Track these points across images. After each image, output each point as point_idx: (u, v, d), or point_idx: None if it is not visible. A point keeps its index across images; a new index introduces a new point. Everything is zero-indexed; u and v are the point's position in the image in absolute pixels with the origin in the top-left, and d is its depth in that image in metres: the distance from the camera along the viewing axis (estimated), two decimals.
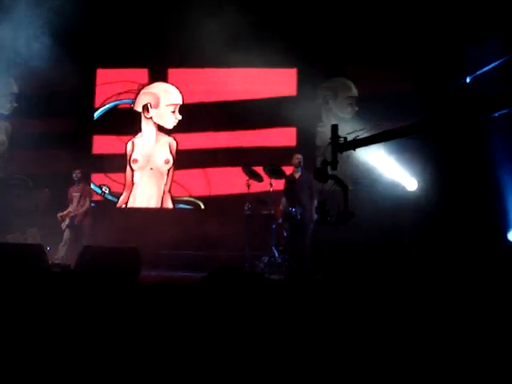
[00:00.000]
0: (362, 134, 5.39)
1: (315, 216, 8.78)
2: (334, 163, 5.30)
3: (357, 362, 2.83)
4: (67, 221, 9.52)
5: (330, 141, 5.43)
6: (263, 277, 3.33)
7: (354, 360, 2.84)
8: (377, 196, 9.76)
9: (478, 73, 8.09)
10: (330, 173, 5.38)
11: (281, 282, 3.42)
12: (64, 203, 9.74)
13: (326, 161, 5.32)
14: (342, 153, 5.36)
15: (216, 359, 2.80)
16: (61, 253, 9.19)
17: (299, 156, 9.11)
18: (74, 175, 9.82)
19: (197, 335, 2.92)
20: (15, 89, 11.68)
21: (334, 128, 5.46)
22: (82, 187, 9.84)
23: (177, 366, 2.86)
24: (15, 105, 11.67)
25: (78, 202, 9.61)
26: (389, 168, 9.83)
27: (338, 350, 2.90)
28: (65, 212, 9.61)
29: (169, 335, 3.03)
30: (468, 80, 5.44)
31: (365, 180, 10.14)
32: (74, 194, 9.69)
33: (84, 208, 9.62)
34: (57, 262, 8.54)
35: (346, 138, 5.31)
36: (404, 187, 9.86)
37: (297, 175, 9.03)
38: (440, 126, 5.11)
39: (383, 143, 7.39)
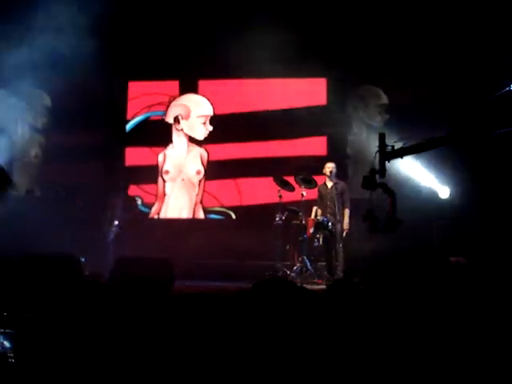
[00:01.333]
0: (399, 144, 5.39)
1: (347, 223, 8.76)
2: (382, 171, 5.28)
3: (404, 370, 2.81)
4: (115, 231, 9.53)
5: (377, 149, 5.40)
6: (306, 289, 3.32)
7: (401, 368, 2.82)
8: (412, 204, 9.67)
9: None
10: (378, 181, 5.36)
11: (324, 291, 3.41)
12: (100, 215, 9.76)
13: (374, 169, 5.30)
14: (389, 161, 5.34)
15: (261, 370, 2.80)
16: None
17: (331, 165, 9.08)
18: (120, 186, 9.86)
19: (238, 347, 2.91)
20: (48, 102, 11.85)
21: (382, 136, 5.44)
22: (124, 200, 9.86)
23: (217, 377, 2.86)
24: (45, 120, 11.82)
25: (122, 215, 9.63)
26: (421, 176, 9.76)
27: (385, 357, 2.88)
28: (112, 224, 9.58)
29: (206, 346, 3.04)
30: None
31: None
32: (117, 204, 9.70)
33: (126, 218, 9.65)
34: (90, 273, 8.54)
35: (393, 147, 5.29)
36: (437, 195, 9.80)
37: (329, 184, 9.00)
38: (482, 134, 5.09)
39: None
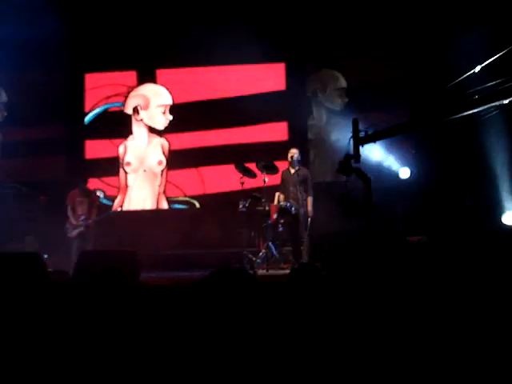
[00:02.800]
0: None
1: (311, 211, 8.82)
2: (357, 156, 5.34)
3: (363, 356, 2.85)
4: (78, 229, 9.41)
5: (351, 134, 5.45)
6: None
7: (361, 354, 2.86)
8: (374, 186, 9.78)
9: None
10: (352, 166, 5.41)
11: (287, 277, 3.44)
12: (61, 209, 9.61)
13: (349, 154, 5.35)
14: (363, 145, 5.40)
15: (218, 360, 2.82)
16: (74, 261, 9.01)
17: (294, 151, 9.09)
18: (80, 182, 9.65)
19: (198, 336, 2.93)
20: (4, 98, 11.64)
21: (355, 122, 5.50)
22: (88, 194, 9.67)
23: (178, 367, 2.88)
24: (5, 114, 11.62)
25: (89, 210, 9.45)
26: (381, 157, 9.87)
27: (345, 343, 2.92)
28: (77, 220, 9.39)
29: (170, 336, 3.05)
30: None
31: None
32: (78, 199, 9.51)
33: (96, 218, 9.46)
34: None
35: (366, 132, 5.35)
36: (397, 176, 9.93)
37: (292, 170, 9.03)
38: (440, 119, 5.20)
39: None
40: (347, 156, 5.40)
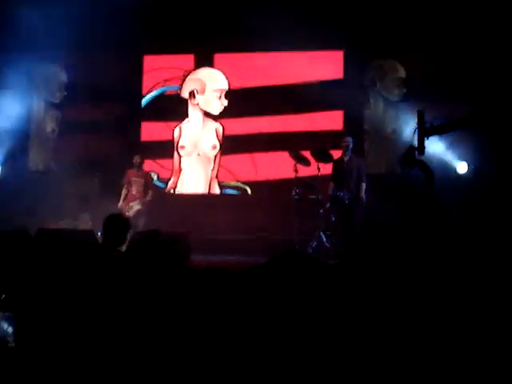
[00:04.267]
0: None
1: (364, 199, 8.71)
2: (421, 148, 5.20)
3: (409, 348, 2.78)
4: (136, 206, 9.50)
5: (415, 125, 5.33)
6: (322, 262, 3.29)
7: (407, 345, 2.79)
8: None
9: None
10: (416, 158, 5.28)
11: (335, 266, 3.37)
12: (116, 188, 9.75)
13: (413, 146, 5.22)
14: (428, 138, 5.27)
15: (277, 344, 2.78)
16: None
17: (348, 139, 8.99)
18: (134, 160, 9.78)
19: (256, 321, 2.89)
20: (64, 77, 11.85)
21: (420, 113, 5.37)
22: (144, 175, 9.79)
23: (236, 352, 2.84)
24: (65, 93, 11.84)
25: (143, 190, 9.57)
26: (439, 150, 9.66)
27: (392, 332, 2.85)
28: (131, 201, 9.54)
29: (222, 320, 3.02)
30: None
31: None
32: (134, 179, 9.61)
33: (150, 198, 9.59)
34: None
35: (432, 123, 5.21)
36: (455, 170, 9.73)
37: (345, 159, 8.93)
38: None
39: None
40: (411, 148, 5.26)
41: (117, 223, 4.83)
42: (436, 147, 9.37)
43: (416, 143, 5.15)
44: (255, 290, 2.98)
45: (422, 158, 5.14)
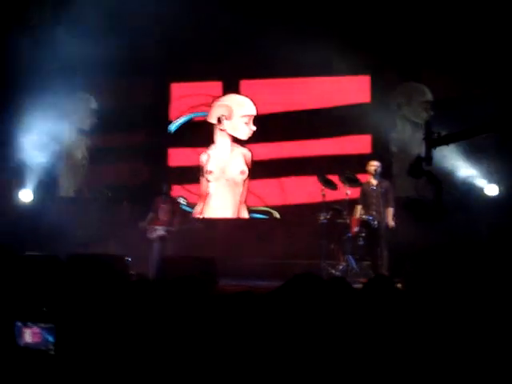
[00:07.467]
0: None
1: (392, 224, 8.67)
2: (428, 159, 5.17)
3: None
4: (160, 231, 9.52)
5: (423, 136, 5.31)
6: (343, 281, 3.28)
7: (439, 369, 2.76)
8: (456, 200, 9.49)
9: None
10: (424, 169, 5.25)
11: (360, 290, 3.35)
12: (143, 215, 9.82)
13: (421, 157, 5.19)
14: (435, 148, 5.23)
15: (296, 366, 2.79)
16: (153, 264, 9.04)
17: (375, 163, 8.98)
18: (162, 188, 9.88)
19: (276, 343, 2.91)
20: (94, 104, 12.05)
21: (428, 124, 5.36)
22: (171, 202, 9.89)
23: (257, 372, 2.86)
24: (95, 120, 12.03)
25: (170, 217, 9.62)
26: (468, 172, 9.60)
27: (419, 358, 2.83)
28: (157, 225, 9.52)
29: (247, 343, 3.04)
30: None
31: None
32: (162, 205, 9.72)
33: (176, 229, 9.65)
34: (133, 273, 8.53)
35: (439, 133, 5.18)
36: (483, 192, 9.63)
37: (374, 182, 8.91)
38: None
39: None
40: (418, 158, 5.23)
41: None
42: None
43: (423, 154, 5.12)
44: (270, 313, 3.00)
45: (430, 168, 5.11)
